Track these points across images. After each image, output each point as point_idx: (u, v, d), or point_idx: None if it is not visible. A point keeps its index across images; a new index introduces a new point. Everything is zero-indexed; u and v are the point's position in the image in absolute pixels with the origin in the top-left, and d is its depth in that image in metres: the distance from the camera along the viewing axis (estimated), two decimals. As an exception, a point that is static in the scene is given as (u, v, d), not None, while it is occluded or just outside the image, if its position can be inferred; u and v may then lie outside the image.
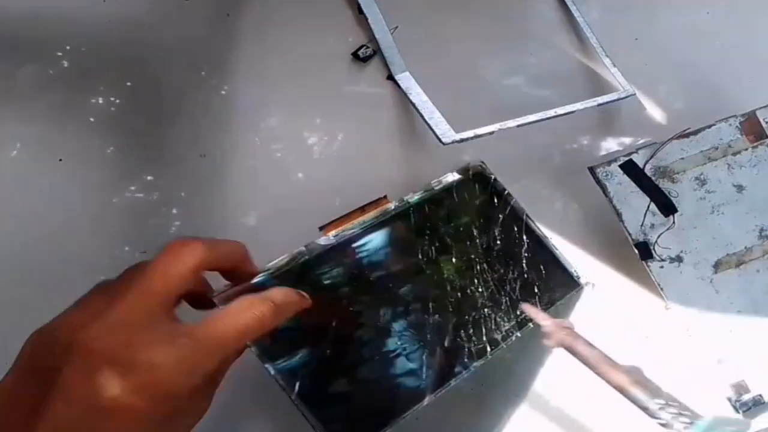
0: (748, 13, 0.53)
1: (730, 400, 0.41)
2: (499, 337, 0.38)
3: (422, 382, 0.35)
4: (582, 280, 0.43)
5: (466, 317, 0.38)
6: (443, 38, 0.51)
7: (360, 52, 0.49)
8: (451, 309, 0.38)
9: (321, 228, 0.37)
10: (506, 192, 0.42)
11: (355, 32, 0.50)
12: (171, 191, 0.45)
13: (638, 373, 0.30)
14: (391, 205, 0.39)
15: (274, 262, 0.34)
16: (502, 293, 0.39)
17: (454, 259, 0.39)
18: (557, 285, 0.42)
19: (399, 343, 0.35)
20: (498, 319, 0.38)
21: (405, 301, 0.37)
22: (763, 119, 0.44)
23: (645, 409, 0.29)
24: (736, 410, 0.41)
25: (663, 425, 0.29)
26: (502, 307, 0.39)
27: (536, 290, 0.40)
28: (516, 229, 0.41)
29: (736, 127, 0.44)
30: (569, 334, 0.33)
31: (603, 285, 0.45)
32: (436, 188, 0.41)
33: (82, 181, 0.45)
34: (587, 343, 0.32)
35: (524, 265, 0.40)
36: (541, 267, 0.41)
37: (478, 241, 0.40)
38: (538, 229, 0.42)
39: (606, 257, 0.46)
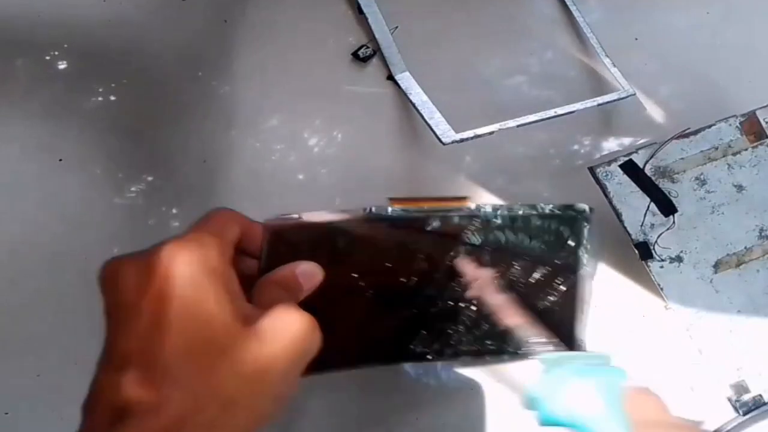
0: (748, 13, 0.53)
1: (730, 400, 0.41)
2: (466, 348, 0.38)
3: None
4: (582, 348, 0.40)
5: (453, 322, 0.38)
6: (443, 38, 0.51)
7: (360, 52, 0.49)
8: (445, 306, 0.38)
9: (390, 198, 0.37)
10: (586, 245, 0.39)
11: (355, 32, 0.50)
12: (171, 191, 0.45)
13: (527, 320, 0.34)
14: (470, 206, 0.37)
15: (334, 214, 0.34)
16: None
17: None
18: (555, 338, 0.39)
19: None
20: (470, 336, 0.38)
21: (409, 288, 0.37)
22: (763, 119, 0.44)
23: (527, 345, 0.33)
24: (736, 410, 0.41)
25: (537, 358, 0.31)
26: (484, 328, 0.38)
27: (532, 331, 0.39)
28: (562, 279, 0.39)
29: (736, 127, 0.44)
30: (483, 281, 0.36)
31: (603, 285, 0.45)
32: (526, 211, 0.38)
33: (82, 181, 0.45)
34: (496, 290, 0.36)
35: (541, 307, 0.39)
36: (554, 319, 0.39)
37: (516, 269, 0.39)
38: (585, 290, 0.40)
39: (606, 257, 0.46)
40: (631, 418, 0.26)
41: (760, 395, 0.41)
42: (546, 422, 0.29)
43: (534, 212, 0.38)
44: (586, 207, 0.39)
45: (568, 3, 0.52)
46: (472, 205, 0.37)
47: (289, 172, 0.46)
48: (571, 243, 0.39)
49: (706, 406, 0.42)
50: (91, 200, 0.44)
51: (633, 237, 0.43)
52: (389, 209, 0.36)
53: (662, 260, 0.42)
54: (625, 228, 0.43)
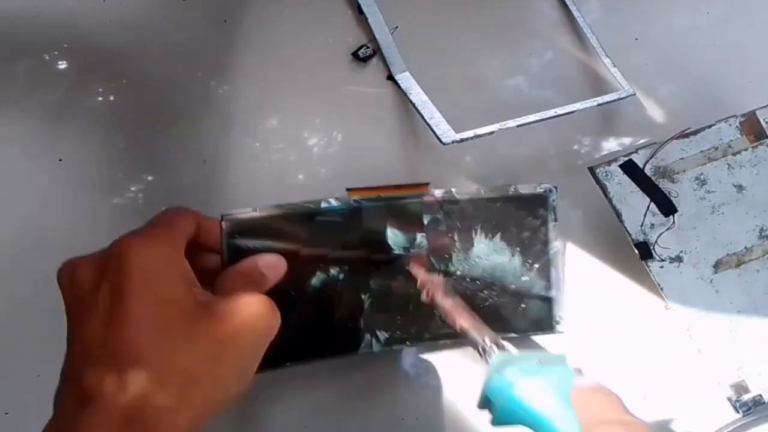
0: (748, 13, 0.53)
1: (730, 400, 0.41)
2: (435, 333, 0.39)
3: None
4: (559, 327, 0.41)
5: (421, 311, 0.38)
6: (443, 38, 0.51)
7: (360, 52, 0.49)
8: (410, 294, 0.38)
9: (348, 189, 0.37)
10: (554, 224, 0.40)
11: (355, 32, 0.50)
12: (171, 191, 0.45)
13: (478, 321, 0.34)
14: (432, 192, 0.38)
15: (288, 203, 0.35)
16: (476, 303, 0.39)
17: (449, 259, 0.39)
18: (532, 320, 0.40)
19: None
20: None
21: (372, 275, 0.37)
22: (763, 119, 0.44)
23: (478, 347, 0.32)
24: (736, 410, 0.41)
25: (487, 361, 0.31)
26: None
27: (507, 313, 0.40)
28: (533, 258, 0.40)
29: (736, 127, 0.44)
30: (433, 285, 0.37)
31: (603, 285, 0.45)
32: (488, 194, 0.39)
33: (82, 181, 0.45)
34: (445, 293, 0.36)
35: (514, 287, 0.40)
36: (529, 297, 0.40)
37: (481, 249, 0.39)
38: (557, 268, 0.41)
39: (606, 257, 0.46)
40: (582, 416, 0.26)
41: (760, 395, 0.41)
42: (499, 422, 0.28)
43: (497, 195, 0.39)
44: (549, 185, 0.40)
45: (568, 3, 0.52)
46: (435, 192, 0.38)
47: (289, 172, 0.46)
48: (537, 222, 0.40)
49: (706, 406, 0.42)
50: (91, 200, 0.44)
51: (633, 237, 0.43)
52: (351, 200, 0.36)
53: (662, 260, 0.42)
54: (625, 228, 0.43)
